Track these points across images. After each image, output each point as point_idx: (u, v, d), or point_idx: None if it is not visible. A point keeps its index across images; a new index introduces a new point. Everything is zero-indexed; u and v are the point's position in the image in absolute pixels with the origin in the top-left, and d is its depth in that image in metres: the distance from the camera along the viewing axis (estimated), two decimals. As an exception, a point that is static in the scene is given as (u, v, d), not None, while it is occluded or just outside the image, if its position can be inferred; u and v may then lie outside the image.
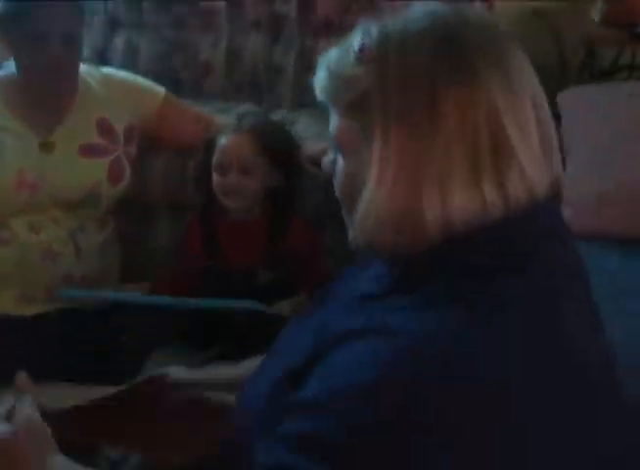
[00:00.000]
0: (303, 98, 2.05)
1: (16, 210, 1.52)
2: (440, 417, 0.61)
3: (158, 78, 1.81)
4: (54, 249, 1.54)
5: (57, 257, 1.55)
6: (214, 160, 1.58)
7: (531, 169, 0.69)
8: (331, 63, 0.74)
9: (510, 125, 0.68)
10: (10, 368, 0.91)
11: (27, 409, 0.75)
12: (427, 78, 0.67)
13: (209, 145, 1.62)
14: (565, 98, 1.72)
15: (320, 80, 0.75)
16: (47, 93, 1.55)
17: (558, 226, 0.75)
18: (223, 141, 1.57)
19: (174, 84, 2.11)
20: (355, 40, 0.72)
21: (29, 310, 1.55)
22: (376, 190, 0.70)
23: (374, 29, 0.72)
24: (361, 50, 0.71)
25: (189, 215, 1.81)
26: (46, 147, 1.55)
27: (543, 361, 0.65)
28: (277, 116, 1.98)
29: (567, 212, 0.77)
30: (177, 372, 1.08)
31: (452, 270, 0.68)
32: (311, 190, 1.68)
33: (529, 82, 0.72)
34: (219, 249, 1.63)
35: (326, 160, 0.83)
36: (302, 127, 1.86)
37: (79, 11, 1.53)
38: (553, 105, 1.49)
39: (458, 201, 0.67)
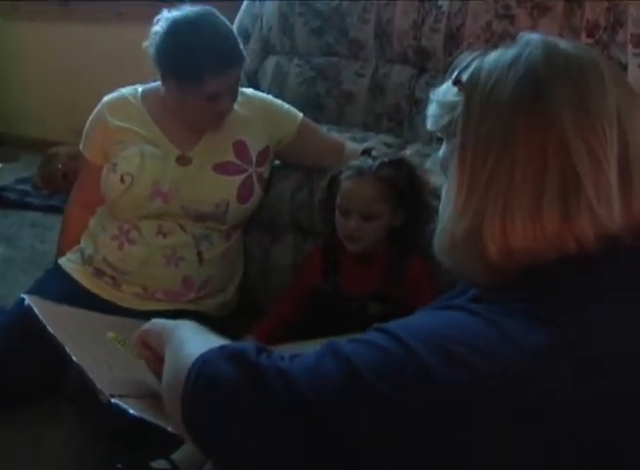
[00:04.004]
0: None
1: (147, 215, 1.63)
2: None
3: (302, 102, 1.85)
4: (178, 253, 1.64)
5: (180, 261, 1.64)
6: (338, 200, 1.57)
7: (601, 205, 0.67)
8: (439, 93, 0.79)
9: (579, 157, 0.67)
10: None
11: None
12: (503, 109, 0.70)
13: (332, 182, 1.62)
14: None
15: (430, 110, 0.80)
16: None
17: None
18: (347, 185, 1.55)
19: (317, 109, 2.18)
20: (456, 72, 0.77)
21: (147, 307, 1.63)
22: (450, 211, 0.74)
23: (473, 62, 0.76)
24: (455, 81, 0.76)
25: (312, 240, 1.85)
26: (183, 160, 1.64)
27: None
28: (412, 149, 1.98)
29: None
30: None
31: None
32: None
33: (610, 109, 0.70)
34: (337, 277, 1.66)
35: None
36: (435, 161, 1.84)
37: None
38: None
39: (519, 227, 0.68)
